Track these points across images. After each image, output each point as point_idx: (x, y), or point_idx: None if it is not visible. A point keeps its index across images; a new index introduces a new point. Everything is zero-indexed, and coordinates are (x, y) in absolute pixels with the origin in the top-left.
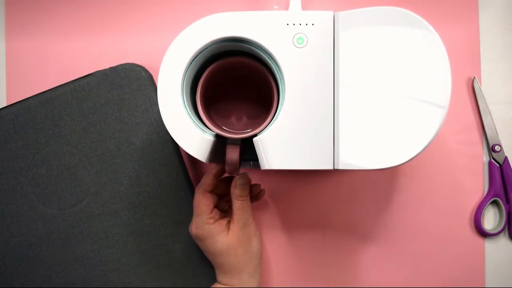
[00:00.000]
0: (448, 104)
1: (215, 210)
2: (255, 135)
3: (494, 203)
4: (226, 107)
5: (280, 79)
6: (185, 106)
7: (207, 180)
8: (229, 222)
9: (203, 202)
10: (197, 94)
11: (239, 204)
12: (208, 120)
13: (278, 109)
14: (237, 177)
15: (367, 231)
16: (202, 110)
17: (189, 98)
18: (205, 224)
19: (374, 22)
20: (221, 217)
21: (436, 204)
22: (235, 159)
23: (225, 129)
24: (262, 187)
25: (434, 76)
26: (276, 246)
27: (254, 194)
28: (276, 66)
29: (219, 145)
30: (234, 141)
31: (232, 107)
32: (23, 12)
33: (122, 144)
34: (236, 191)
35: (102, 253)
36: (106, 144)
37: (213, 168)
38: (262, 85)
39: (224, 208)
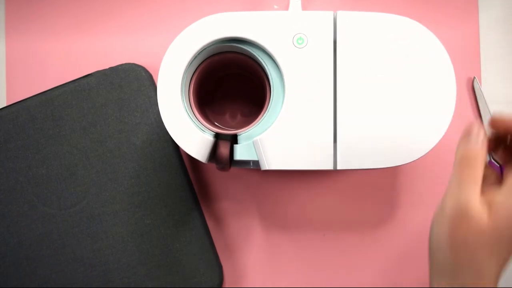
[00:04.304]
0: (453, 112)
1: None
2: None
3: None
4: (221, 106)
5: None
6: (185, 106)
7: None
8: None
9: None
10: (190, 89)
11: None
12: (202, 117)
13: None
14: None
15: (367, 231)
16: (195, 106)
17: (188, 99)
18: None
19: (374, 24)
20: None
21: (437, 204)
22: (226, 154)
23: (218, 126)
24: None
25: (437, 80)
26: (276, 246)
27: None
28: (275, 66)
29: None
30: (225, 137)
31: (227, 105)
32: (23, 12)
33: (122, 144)
34: None
35: (102, 253)
36: (106, 144)
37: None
38: (257, 83)
39: None
